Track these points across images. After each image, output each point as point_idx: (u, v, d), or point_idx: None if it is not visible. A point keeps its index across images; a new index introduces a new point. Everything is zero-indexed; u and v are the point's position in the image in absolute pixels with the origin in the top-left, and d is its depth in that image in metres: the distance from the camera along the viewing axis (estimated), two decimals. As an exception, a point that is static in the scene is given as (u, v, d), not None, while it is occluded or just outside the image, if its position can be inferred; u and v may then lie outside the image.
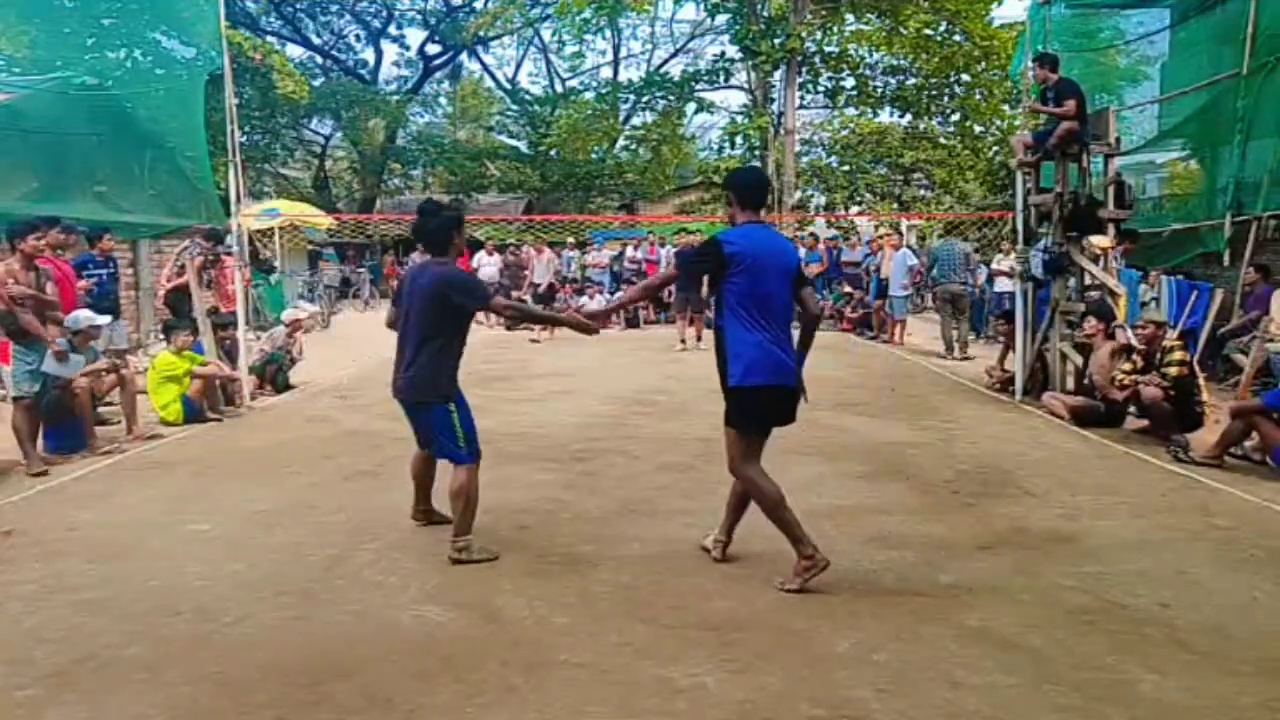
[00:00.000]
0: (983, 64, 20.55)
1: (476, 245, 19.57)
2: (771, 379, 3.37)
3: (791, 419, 3.54)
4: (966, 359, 11.14)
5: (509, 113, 31.04)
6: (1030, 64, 8.47)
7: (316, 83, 25.15)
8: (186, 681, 2.76)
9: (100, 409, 6.73)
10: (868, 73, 22.61)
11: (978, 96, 21.07)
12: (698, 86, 24.20)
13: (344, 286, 20.11)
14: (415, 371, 3.78)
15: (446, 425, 3.80)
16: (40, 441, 5.72)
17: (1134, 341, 6.74)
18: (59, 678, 2.79)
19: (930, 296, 15.18)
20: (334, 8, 27.92)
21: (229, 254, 8.38)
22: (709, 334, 11.49)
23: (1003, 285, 12.49)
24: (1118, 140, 7.99)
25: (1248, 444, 5.61)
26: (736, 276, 3.35)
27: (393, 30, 29.44)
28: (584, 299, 16.35)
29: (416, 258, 16.89)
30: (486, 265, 16.05)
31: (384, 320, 4.24)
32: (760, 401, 3.40)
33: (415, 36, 29.99)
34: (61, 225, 6.63)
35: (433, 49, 29.62)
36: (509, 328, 15.43)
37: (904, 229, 16.31)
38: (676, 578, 3.62)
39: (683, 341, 11.74)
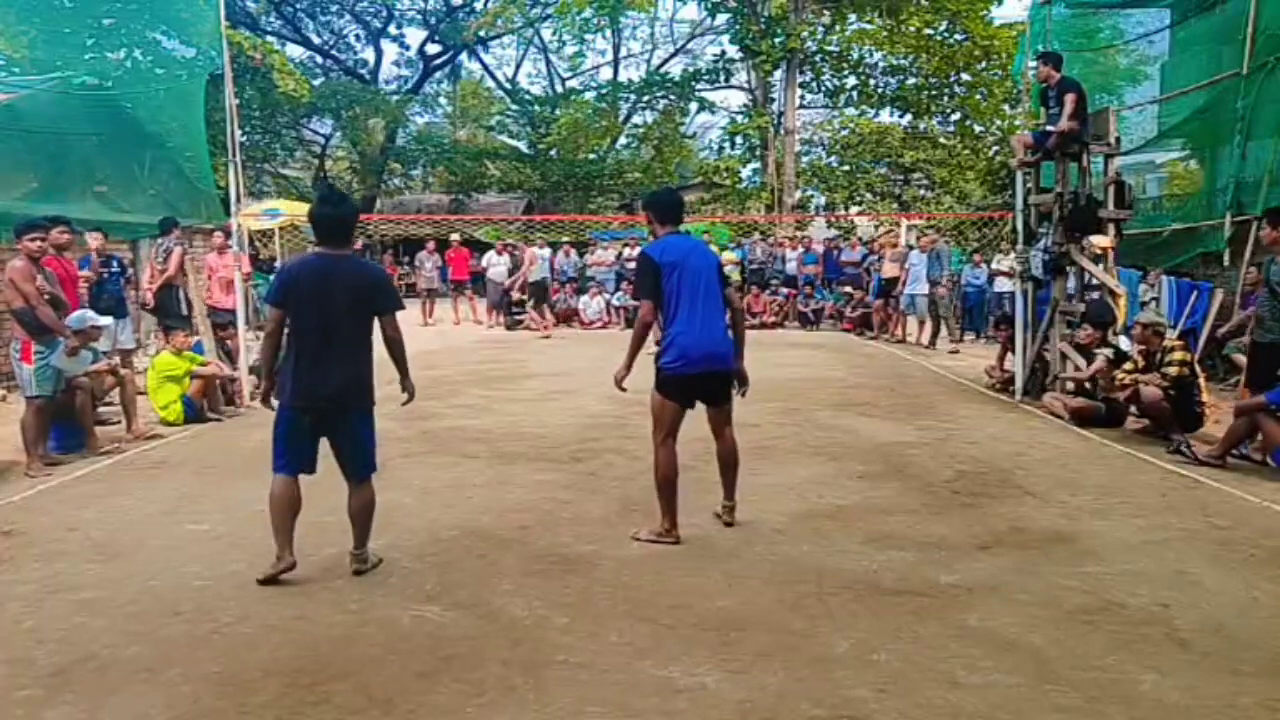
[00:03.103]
0: (983, 64, 20.56)
1: (478, 245, 19.61)
2: (700, 366, 3.90)
3: (723, 399, 4.07)
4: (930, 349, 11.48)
5: (509, 113, 31.06)
6: (1032, 63, 8.47)
7: (316, 83, 25.15)
8: (186, 681, 2.76)
9: (100, 409, 6.73)
10: (868, 72, 22.63)
11: (978, 96, 21.09)
12: (698, 86, 24.23)
13: None
14: (353, 372, 3.50)
15: (368, 436, 3.61)
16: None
17: (1133, 350, 6.76)
18: (59, 678, 2.79)
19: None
20: (334, 8, 27.95)
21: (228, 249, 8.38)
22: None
23: (1003, 285, 12.54)
24: (1118, 140, 7.99)
25: (1249, 445, 5.61)
26: (671, 279, 3.88)
27: (393, 30, 29.51)
28: (584, 299, 16.37)
29: (424, 256, 16.98)
30: (496, 265, 16.03)
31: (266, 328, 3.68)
32: (687, 382, 3.94)
33: (415, 36, 30.06)
34: (65, 224, 6.63)
35: (433, 49, 29.66)
36: (509, 327, 15.44)
37: (904, 229, 16.31)
38: (676, 578, 3.62)
39: (657, 343, 11.45)
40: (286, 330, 3.53)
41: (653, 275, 3.88)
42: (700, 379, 3.92)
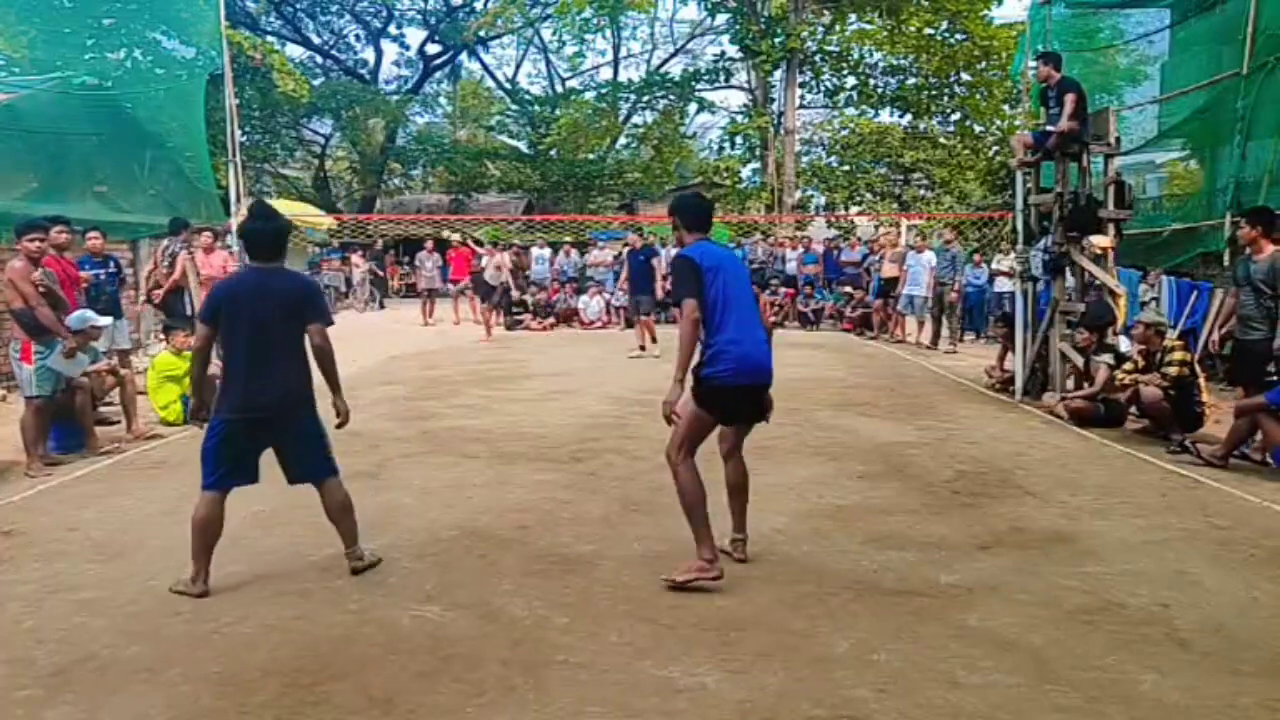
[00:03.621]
0: (983, 64, 20.57)
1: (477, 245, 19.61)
2: (753, 378, 3.56)
3: (759, 416, 3.69)
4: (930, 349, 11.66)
5: (509, 113, 31.06)
6: (1032, 62, 8.47)
7: (316, 83, 25.15)
8: (186, 681, 2.76)
9: (100, 409, 6.73)
10: (868, 72, 22.63)
11: (978, 96, 21.09)
12: (698, 86, 24.23)
13: (346, 286, 20.13)
14: (292, 379, 3.49)
15: (320, 434, 3.62)
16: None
17: (1133, 351, 6.76)
18: (59, 678, 2.79)
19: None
20: (334, 8, 27.94)
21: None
22: (664, 338, 11.61)
23: (1003, 285, 12.55)
24: (1118, 140, 7.99)
25: (1250, 444, 5.62)
26: (714, 284, 3.54)
27: (393, 30, 29.50)
28: (584, 299, 16.37)
29: (424, 256, 16.94)
30: (489, 264, 15.98)
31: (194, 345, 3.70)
32: (737, 395, 3.58)
33: (415, 36, 30.05)
34: (65, 224, 6.63)
35: (433, 49, 29.66)
36: (509, 327, 15.44)
37: (903, 229, 16.33)
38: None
39: (641, 347, 11.03)
40: (219, 346, 3.58)
41: (695, 277, 3.51)
42: (750, 392, 3.58)
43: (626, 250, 13.93)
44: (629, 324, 15.76)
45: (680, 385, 3.44)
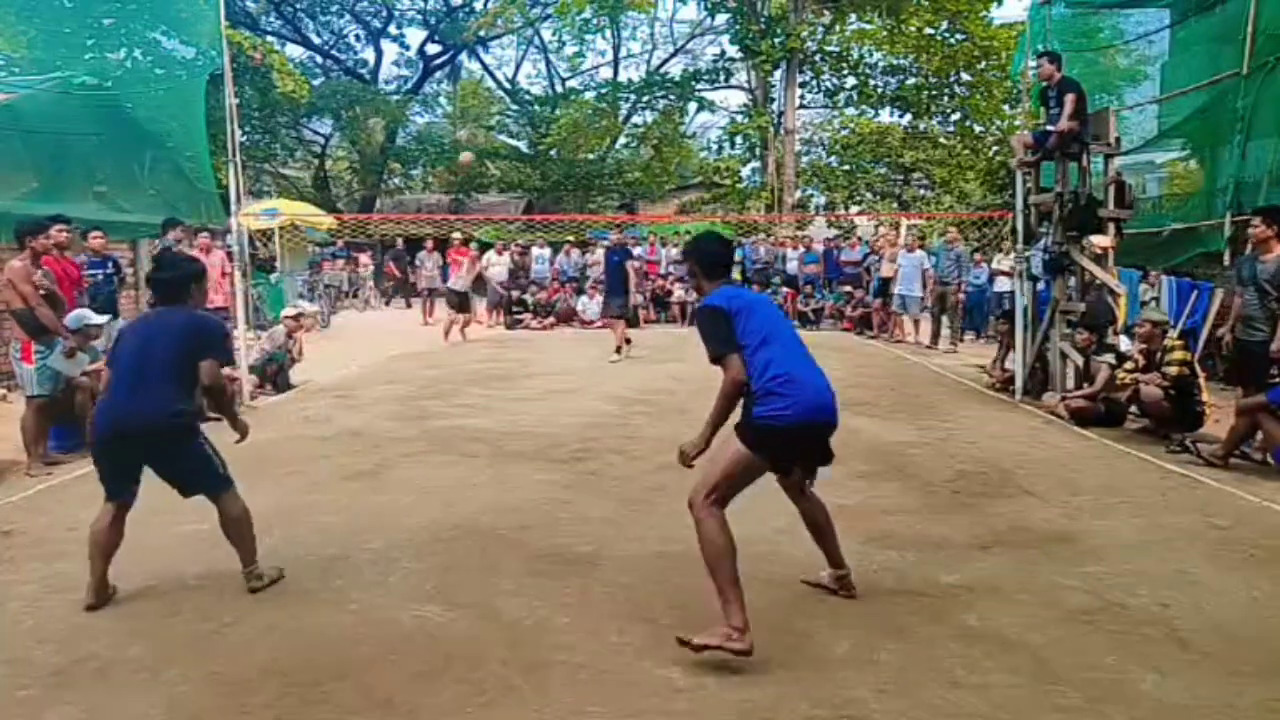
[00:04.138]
0: (983, 64, 20.57)
1: (482, 245, 19.59)
2: (819, 415, 3.08)
3: (822, 459, 3.24)
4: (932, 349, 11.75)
5: (509, 113, 31.04)
6: (1032, 62, 8.47)
7: (316, 83, 25.13)
8: (186, 681, 2.76)
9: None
10: (868, 72, 22.63)
11: (978, 96, 21.09)
12: (698, 86, 24.23)
13: (348, 285, 20.14)
14: (166, 406, 3.46)
15: (205, 455, 3.60)
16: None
17: (1134, 350, 6.76)
18: (59, 678, 2.79)
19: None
20: (334, 8, 27.91)
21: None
22: (639, 338, 11.56)
23: (1003, 285, 12.56)
24: (1118, 140, 8.00)
25: (1250, 444, 5.62)
26: (748, 324, 3.10)
27: (393, 30, 29.46)
28: (584, 299, 16.37)
29: (424, 256, 16.90)
30: (495, 265, 16.01)
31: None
32: (799, 435, 3.08)
33: (415, 36, 30.03)
34: (65, 223, 6.62)
35: (433, 49, 29.64)
36: (509, 326, 15.45)
37: (904, 229, 16.34)
38: (676, 578, 3.61)
39: (618, 349, 10.73)
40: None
41: (726, 323, 3.07)
42: (816, 430, 3.10)
43: (604, 250, 13.82)
44: (630, 324, 15.80)
45: (707, 441, 3.07)
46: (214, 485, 3.60)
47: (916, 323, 13.07)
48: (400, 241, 21.79)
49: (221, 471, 3.63)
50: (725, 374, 3.02)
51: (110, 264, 8.03)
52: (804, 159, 24.15)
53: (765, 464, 3.07)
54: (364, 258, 20.65)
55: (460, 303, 13.67)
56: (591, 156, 26.72)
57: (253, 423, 5.63)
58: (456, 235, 17.48)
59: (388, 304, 19.98)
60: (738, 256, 17.08)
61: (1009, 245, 11.85)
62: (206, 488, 3.61)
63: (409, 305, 19.92)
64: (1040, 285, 7.97)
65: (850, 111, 23.96)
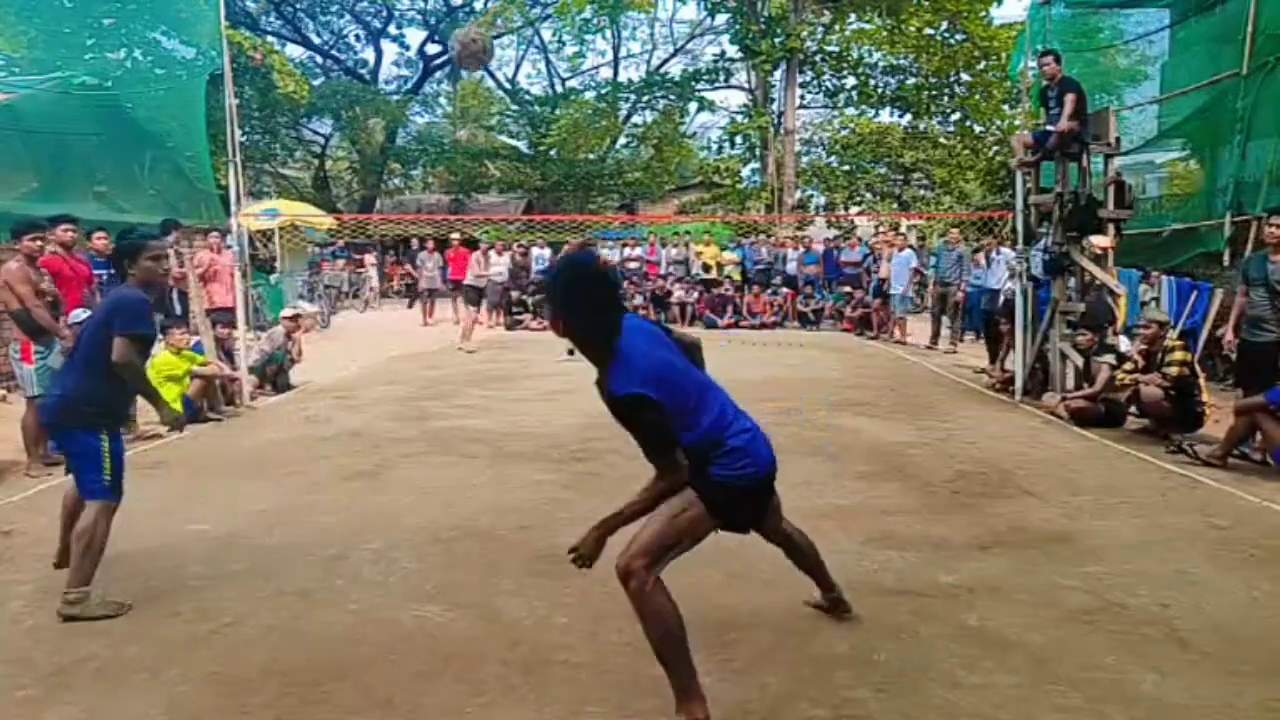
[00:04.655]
0: (983, 64, 20.58)
1: (475, 245, 19.58)
2: (771, 468, 2.71)
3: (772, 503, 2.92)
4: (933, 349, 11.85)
5: (509, 113, 31.04)
6: (1031, 62, 8.47)
7: (316, 83, 25.13)
8: (186, 681, 2.76)
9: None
10: (868, 72, 22.64)
11: (978, 96, 21.10)
12: (698, 86, 24.24)
13: (348, 286, 20.12)
14: (75, 390, 3.42)
15: (92, 454, 3.39)
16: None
17: (1134, 351, 6.76)
18: (59, 678, 2.79)
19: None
20: (334, 8, 27.91)
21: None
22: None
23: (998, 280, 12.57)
24: (1118, 140, 8.00)
25: (1250, 444, 5.62)
26: (676, 395, 2.55)
27: (393, 30, 29.46)
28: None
29: (424, 256, 16.90)
30: (495, 265, 16.00)
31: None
32: (758, 491, 2.73)
33: (415, 36, 30.01)
34: (72, 223, 6.62)
35: (433, 49, 29.61)
36: (509, 327, 15.44)
37: (904, 229, 16.36)
38: (676, 578, 3.60)
39: (570, 351, 10.65)
40: None
41: (656, 412, 2.46)
42: (768, 486, 2.74)
43: (564, 253, 13.75)
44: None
45: (611, 530, 2.69)
46: (87, 487, 3.39)
47: (902, 321, 13.12)
48: (416, 242, 21.73)
49: (104, 479, 3.38)
50: (670, 474, 2.49)
51: (112, 264, 8.04)
52: (804, 159, 24.16)
53: (716, 525, 2.69)
54: (369, 258, 20.64)
55: (475, 298, 13.64)
56: (591, 156, 26.72)
57: (253, 423, 5.67)
58: (455, 236, 17.49)
59: (411, 304, 19.50)
60: (736, 257, 17.11)
61: (1010, 246, 11.86)
62: (82, 486, 3.43)
63: (411, 305, 19.89)
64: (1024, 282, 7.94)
65: (850, 111, 23.98)
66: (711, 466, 2.57)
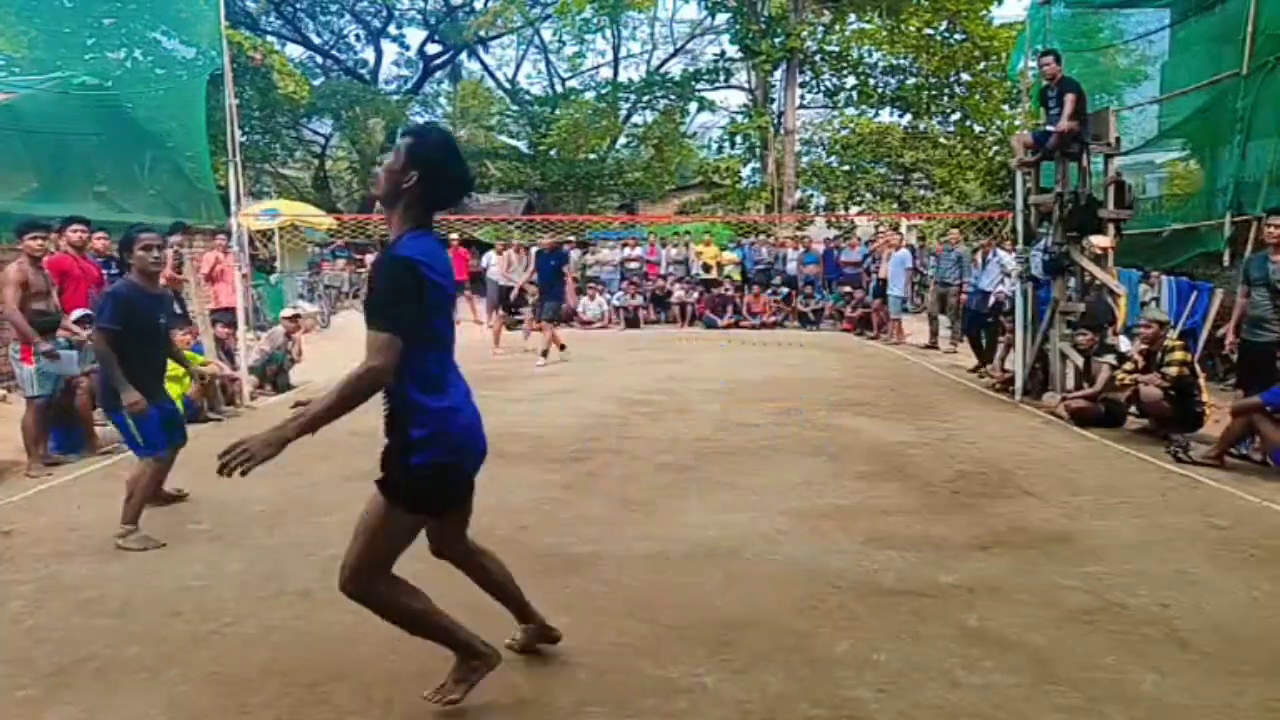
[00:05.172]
0: (983, 64, 20.58)
1: (476, 244, 19.59)
2: (473, 461, 2.56)
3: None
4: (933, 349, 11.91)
5: (509, 113, 31.04)
6: (1032, 61, 8.47)
7: (316, 83, 25.14)
8: (186, 681, 2.76)
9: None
10: (868, 72, 22.64)
11: (978, 96, 21.10)
12: (698, 86, 24.24)
13: (349, 286, 20.11)
14: (97, 382, 4.41)
15: (122, 427, 4.14)
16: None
17: (1134, 351, 6.75)
18: (59, 678, 2.79)
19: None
20: (334, 8, 27.92)
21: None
22: (640, 338, 11.36)
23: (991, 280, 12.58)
24: (1118, 140, 7.99)
25: (1249, 444, 5.61)
26: (433, 315, 2.34)
27: (393, 30, 29.48)
28: (584, 299, 16.36)
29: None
30: (495, 265, 16.00)
31: None
32: (462, 480, 2.58)
33: (415, 36, 30.04)
34: (84, 224, 6.61)
35: (433, 49, 29.65)
36: (509, 327, 15.43)
37: (904, 229, 16.36)
38: (676, 578, 3.62)
39: (544, 353, 10.36)
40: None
41: (415, 289, 2.25)
42: (473, 469, 2.56)
43: (535, 252, 13.44)
44: (630, 323, 15.82)
45: (295, 435, 2.30)
46: (132, 450, 4.25)
47: (899, 321, 13.14)
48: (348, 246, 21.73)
49: (138, 442, 4.12)
50: (375, 359, 2.22)
51: (114, 264, 8.04)
52: (804, 159, 24.15)
53: (425, 517, 2.52)
54: (370, 258, 20.63)
55: (505, 300, 13.38)
56: (592, 156, 26.71)
57: (253, 423, 5.66)
58: (454, 236, 17.48)
59: None
60: (736, 257, 17.10)
61: (1010, 245, 11.87)
62: (132, 450, 4.25)
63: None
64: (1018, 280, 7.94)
65: (850, 111, 23.97)
66: (414, 451, 2.35)
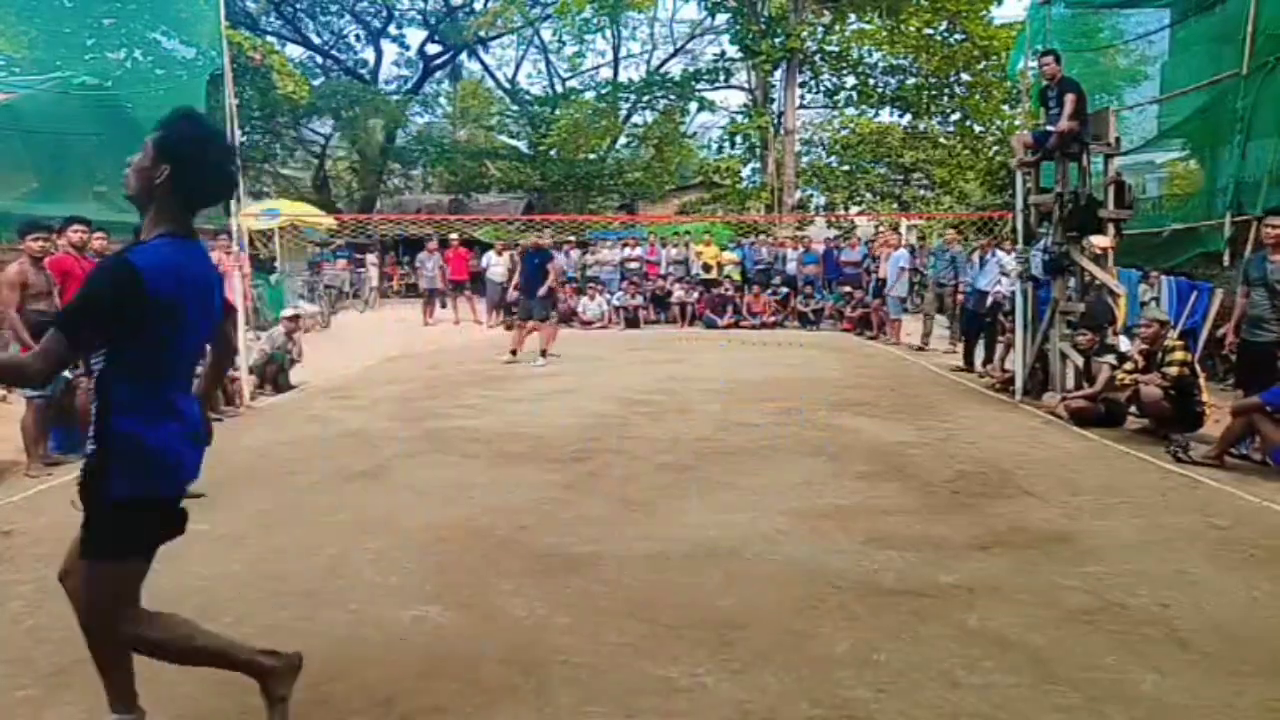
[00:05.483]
0: (983, 64, 20.60)
1: (476, 244, 19.59)
2: (180, 490, 2.33)
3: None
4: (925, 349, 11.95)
5: (509, 113, 31.06)
6: (1032, 61, 8.47)
7: (316, 83, 25.15)
8: (186, 681, 2.76)
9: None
10: (868, 72, 22.66)
11: (978, 96, 21.11)
12: (698, 86, 24.27)
13: (349, 286, 20.10)
14: None
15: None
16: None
17: (1134, 350, 6.75)
18: (59, 678, 2.79)
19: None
20: (334, 8, 27.94)
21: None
22: (640, 338, 11.25)
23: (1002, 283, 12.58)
24: (1118, 140, 8.00)
25: (1249, 444, 5.61)
26: (151, 328, 2.05)
27: (393, 30, 29.51)
28: (584, 299, 16.36)
29: (424, 256, 16.90)
30: (495, 265, 16.01)
31: None
32: (170, 512, 2.36)
33: (415, 36, 30.08)
34: (85, 224, 6.60)
35: (433, 49, 29.67)
36: (508, 327, 15.43)
37: (903, 229, 16.38)
38: (676, 578, 3.62)
39: (513, 351, 10.38)
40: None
41: (116, 304, 1.99)
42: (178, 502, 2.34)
43: (519, 252, 13.44)
44: (630, 323, 15.82)
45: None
46: None
47: (898, 321, 13.15)
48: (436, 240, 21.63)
49: None
50: (37, 360, 1.96)
51: None
52: (804, 159, 24.17)
53: (146, 556, 2.34)
54: (370, 258, 20.65)
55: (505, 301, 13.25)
56: (592, 156, 26.73)
57: (253, 423, 5.69)
58: (454, 236, 17.48)
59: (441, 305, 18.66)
60: (736, 257, 17.11)
61: (1010, 245, 11.88)
62: None
63: (443, 305, 19.74)
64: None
65: (850, 111, 24.00)
66: (110, 477, 2.11)
